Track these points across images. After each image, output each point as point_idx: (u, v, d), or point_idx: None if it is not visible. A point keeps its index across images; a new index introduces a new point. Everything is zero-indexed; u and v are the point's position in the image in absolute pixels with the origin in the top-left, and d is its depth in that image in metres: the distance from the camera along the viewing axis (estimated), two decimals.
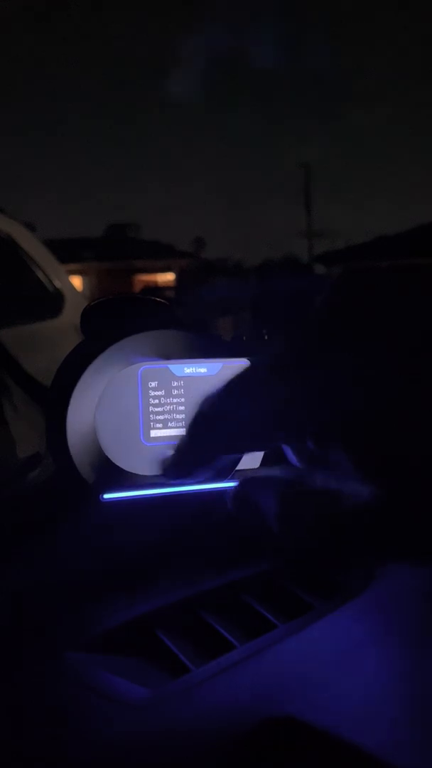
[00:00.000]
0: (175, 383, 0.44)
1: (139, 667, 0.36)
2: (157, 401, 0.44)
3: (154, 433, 0.43)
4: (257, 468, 0.44)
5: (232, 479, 0.42)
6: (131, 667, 0.36)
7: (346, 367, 0.26)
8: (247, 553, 0.44)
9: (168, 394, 0.44)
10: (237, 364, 0.45)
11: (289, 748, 0.28)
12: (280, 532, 0.29)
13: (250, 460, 0.44)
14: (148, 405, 0.43)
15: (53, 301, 1.96)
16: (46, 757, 0.30)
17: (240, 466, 0.43)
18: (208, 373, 0.45)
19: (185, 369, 0.44)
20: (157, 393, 0.43)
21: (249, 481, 0.35)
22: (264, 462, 0.44)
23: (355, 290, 0.27)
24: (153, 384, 0.43)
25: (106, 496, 0.40)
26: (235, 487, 0.36)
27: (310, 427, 0.27)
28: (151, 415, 0.43)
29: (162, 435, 0.44)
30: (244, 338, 0.44)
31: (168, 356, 0.43)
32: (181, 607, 0.40)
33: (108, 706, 0.32)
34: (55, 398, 0.40)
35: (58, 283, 2.05)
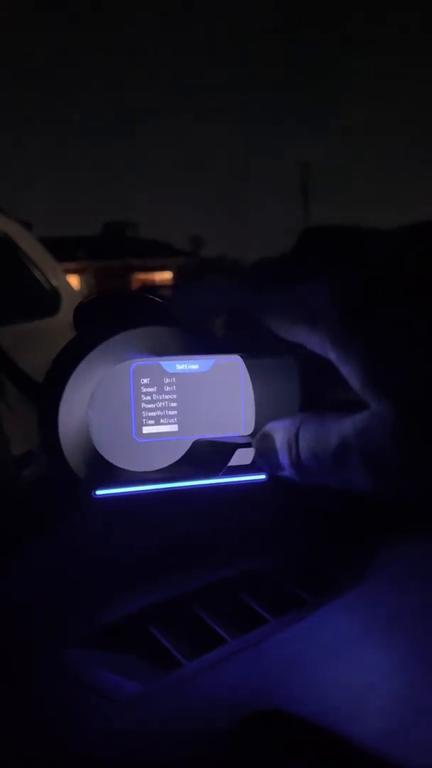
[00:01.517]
0: (167, 380, 0.44)
1: (133, 662, 0.36)
2: (149, 398, 0.44)
3: (146, 430, 0.44)
4: (249, 463, 0.45)
5: (223, 476, 0.43)
6: (124, 662, 0.36)
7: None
8: (241, 549, 0.45)
9: (160, 391, 0.44)
10: (229, 361, 0.45)
11: (278, 738, 0.29)
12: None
13: (242, 456, 0.44)
14: (140, 401, 0.43)
15: (50, 299, 1.96)
16: (38, 750, 0.30)
17: (232, 462, 0.44)
18: (200, 369, 0.45)
19: (177, 366, 0.44)
20: (149, 390, 0.44)
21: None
22: (255, 459, 0.44)
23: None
24: (145, 381, 0.43)
25: (99, 492, 0.41)
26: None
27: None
28: (143, 412, 0.43)
29: (154, 431, 0.44)
30: (237, 335, 0.44)
31: (160, 352, 0.43)
32: (174, 604, 0.40)
33: (100, 701, 0.32)
34: (47, 394, 0.40)
35: (55, 282, 2.05)
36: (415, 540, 0.44)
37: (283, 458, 0.31)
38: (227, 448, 0.43)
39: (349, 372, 0.26)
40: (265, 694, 0.31)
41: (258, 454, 0.34)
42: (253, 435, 0.46)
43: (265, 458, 0.33)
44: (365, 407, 0.26)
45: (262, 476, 0.44)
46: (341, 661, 0.33)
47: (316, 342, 0.27)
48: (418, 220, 0.27)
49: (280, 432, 0.32)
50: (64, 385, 0.39)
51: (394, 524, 0.46)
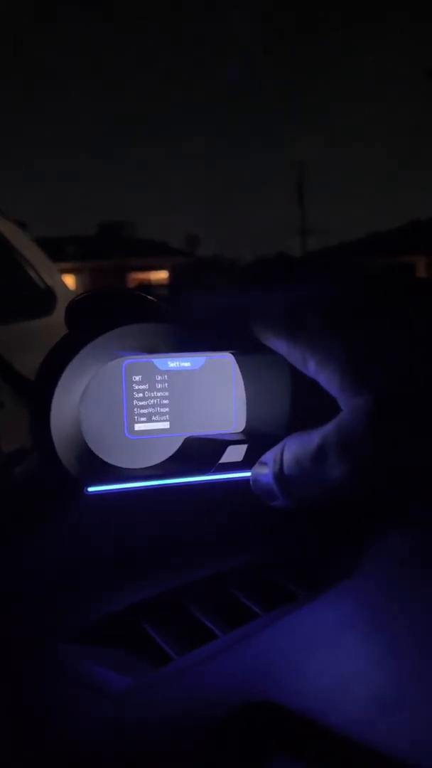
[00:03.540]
0: (159, 377, 0.44)
1: (124, 657, 0.36)
2: (141, 395, 0.44)
3: (138, 427, 0.44)
4: (240, 460, 0.45)
5: (214, 472, 0.43)
6: (115, 657, 0.36)
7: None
8: (233, 545, 0.45)
9: (152, 388, 0.44)
10: (220, 358, 0.45)
11: (267, 731, 0.29)
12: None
13: (234, 453, 0.44)
14: (132, 399, 0.44)
15: (45, 299, 1.95)
16: (27, 744, 0.30)
17: (223, 459, 0.44)
18: (192, 367, 0.45)
19: (169, 363, 0.44)
20: (141, 387, 0.44)
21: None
22: (247, 455, 0.45)
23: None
24: (137, 378, 0.44)
25: (91, 489, 0.41)
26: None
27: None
28: (135, 409, 0.44)
29: (146, 429, 0.44)
30: (229, 333, 0.44)
31: (152, 350, 0.43)
32: (166, 599, 0.41)
33: (91, 695, 0.33)
34: (38, 392, 0.40)
35: (50, 282, 2.05)
36: (404, 533, 0.45)
37: (271, 475, 0.32)
38: (218, 445, 0.44)
39: (327, 377, 0.27)
40: (256, 687, 0.31)
41: (252, 482, 0.36)
42: (244, 432, 0.46)
43: (257, 486, 0.35)
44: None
45: None
46: (330, 652, 0.33)
47: (296, 355, 0.29)
48: (406, 223, 0.29)
49: (269, 455, 0.34)
50: (56, 382, 0.39)
51: (383, 518, 0.46)
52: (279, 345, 0.30)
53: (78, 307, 0.42)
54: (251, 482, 0.36)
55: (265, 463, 0.34)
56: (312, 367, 0.29)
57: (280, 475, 0.31)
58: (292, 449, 0.31)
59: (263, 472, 0.34)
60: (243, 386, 0.46)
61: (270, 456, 0.33)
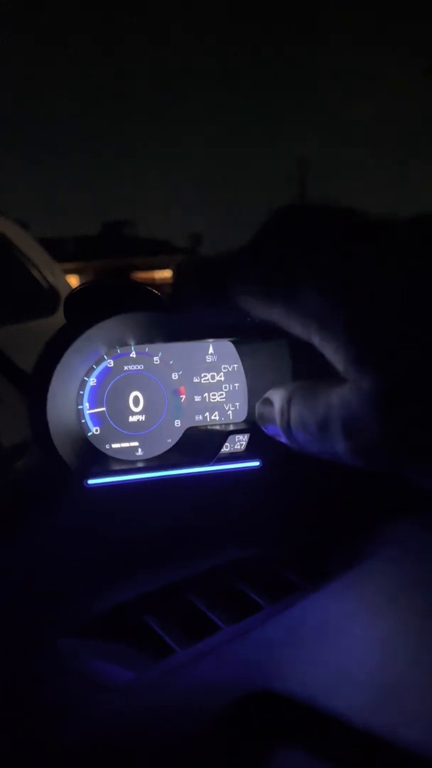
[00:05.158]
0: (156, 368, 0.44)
1: (128, 651, 0.36)
2: (138, 387, 0.44)
3: (136, 418, 0.43)
4: (243, 450, 0.44)
5: (215, 463, 0.42)
6: (119, 651, 0.36)
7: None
8: (236, 536, 0.44)
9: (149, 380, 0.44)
10: (222, 345, 0.45)
11: (270, 721, 0.29)
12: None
13: (236, 443, 0.44)
14: (131, 391, 0.43)
15: (48, 299, 1.95)
16: (32, 738, 0.30)
17: (225, 449, 0.43)
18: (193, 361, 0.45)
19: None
20: (137, 378, 0.43)
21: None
22: (249, 445, 0.44)
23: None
24: (134, 368, 0.43)
25: (91, 481, 0.40)
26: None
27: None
28: (133, 401, 0.43)
29: (143, 420, 0.44)
30: (227, 321, 0.44)
31: (151, 339, 0.43)
32: (168, 592, 0.40)
33: (95, 689, 0.32)
34: (35, 382, 0.39)
35: (53, 282, 2.05)
36: (405, 521, 0.44)
37: (278, 424, 0.31)
38: (220, 435, 0.43)
39: (332, 353, 0.26)
40: (259, 679, 0.31)
41: (258, 419, 0.34)
42: (246, 421, 0.46)
43: (263, 422, 0.33)
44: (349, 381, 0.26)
45: (256, 463, 0.43)
46: (334, 642, 0.33)
47: (297, 326, 0.27)
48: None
49: (276, 398, 0.31)
50: (52, 372, 0.39)
51: (383, 507, 0.45)
52: (279, 318, 0.28)
53: (76, 298, 0.42)
54: (256, 415, 0.34)
55: (269, 399, 0.32)
56: (315, 340, 0.26)
57: (286, 428, 0.30)
58: (298, 409, 0.29)
59: (268, 411, 0.32)
60: (244, 376, 0.45)
61: (277, 401, 0.31)
